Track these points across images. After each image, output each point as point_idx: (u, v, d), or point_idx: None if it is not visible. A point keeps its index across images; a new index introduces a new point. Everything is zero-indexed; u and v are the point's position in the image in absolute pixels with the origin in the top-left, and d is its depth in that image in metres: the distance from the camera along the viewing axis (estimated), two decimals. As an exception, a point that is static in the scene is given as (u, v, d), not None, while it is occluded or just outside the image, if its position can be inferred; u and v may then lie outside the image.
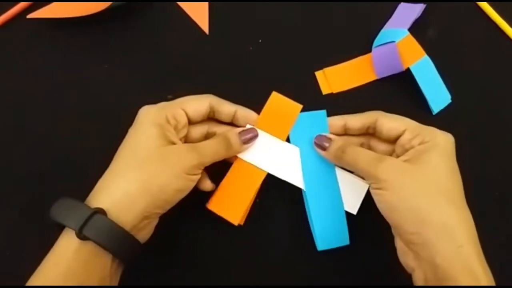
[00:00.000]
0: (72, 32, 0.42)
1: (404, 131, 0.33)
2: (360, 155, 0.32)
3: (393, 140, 0.34)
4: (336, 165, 0.35)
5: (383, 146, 0.35)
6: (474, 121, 0.41)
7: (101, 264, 0.29)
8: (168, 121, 0.33)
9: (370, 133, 0.36)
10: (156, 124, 0.32)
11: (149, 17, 0.43)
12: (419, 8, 0.42)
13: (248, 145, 0.35)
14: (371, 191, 0.32)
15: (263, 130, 0.36)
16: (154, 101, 0.39)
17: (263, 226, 0.37)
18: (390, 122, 0.34)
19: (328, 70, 0.42)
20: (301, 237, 0.37)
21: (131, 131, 0.32)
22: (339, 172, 0.35)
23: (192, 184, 0.32)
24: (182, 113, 0.34)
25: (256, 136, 0.35)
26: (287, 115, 0.36)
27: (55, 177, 0.39)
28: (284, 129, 0.36)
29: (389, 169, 0.30)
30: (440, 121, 0.40)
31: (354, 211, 0.35)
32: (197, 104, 0.34)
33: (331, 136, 0.35)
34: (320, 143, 0.35)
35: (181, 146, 0.32)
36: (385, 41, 0.40)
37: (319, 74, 0.42)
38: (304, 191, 0.36)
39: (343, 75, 0.41)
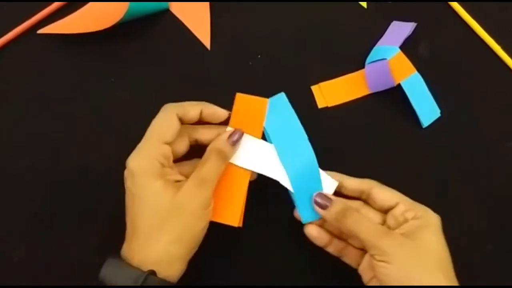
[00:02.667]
0: (79, 47, 0.44)
1: (397, 203, 0.34)
2: (363, 224, 0.33)
3: (384, 210, 0.36)
4: None
5: (372, 215, 0.36)
6: (462, 133, 0.43)
7: None
8: (162, 165, 0.33)
9: (362, 199, 0.37)
10: (156, 176, 0.32)
11: (153, 33, 0.45)
12: (410, 26, 0.43)
13: (236, 147, 0.36)
14: (373, 262, 0.32)
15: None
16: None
17: (263, 225, 0.39)
18: (385, 193, 0.35)
19: (324, 84, 0.43)
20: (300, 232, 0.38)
21: (135, 191, 0.32)
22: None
23: (211, 213, 0.34)
24: (167, 148, 0.34)
25: (241, 135, 0.36)
26: (257, 111, 0.37)
27: (64, 185, 0.40)
28: (258, 126, 0.37)
29: (393, 243, 0.32)
30: (429, 134, 0.42)
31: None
32: (170, 126, 0.34)
33: (332, 196, 0.36)
34: (321, 203, 0.35)
35: (189, 188, 0.32)
36: (377, 58, 0.41)
37: (315, 89, 0.43)
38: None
39: (338, 89, 0.43)
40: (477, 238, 0.40)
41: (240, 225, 0.37)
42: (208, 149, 0.35)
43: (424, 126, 0.42)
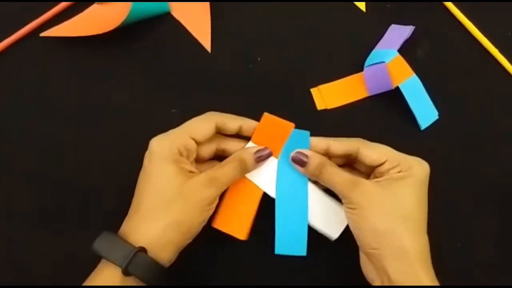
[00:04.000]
0: (81, 50, 0.44)
1: (384, 162, 0.35)
2: (336, 177, 0.34)
3: (373, 169, 0.36)
4: (320, 188, 0.37)
5: (363, 168, 0.37)
6: (460, 136, 0.43)
7: None
8: (181, 154, 0.34)
9: (351, 159, 0.37)
10: (172, 161, 0.33)
11: (154, 36, 0.45)
12: (408, 29, 0.44)
13: (260, 164, 0.37)
14: (344, 206, 0.34)
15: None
16: (159, 115, 0.42)
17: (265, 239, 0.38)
18: (371, 154, 0.35)
19: (323, 87, 0.44)
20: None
21: (149, 169, 0.34)
22: (324, 198, 0.37)
23: (212, 211, 0.35)
24: (192, 142, 0.35)
25: (269, 155, 0.37)
26: (280, 134, 0.37)
27: (64, 185, 0.41)
28: (278, 148, 0.37)
29: (362, 194, 0.33)
30: (427, 136, 0.43)
31: (335, 235, 0.36)
32: (204, 128, 0.35)
33: (309, 153, 0.36)
34: (298, 159, 0.36)
35: (200, 180, 0.33)
36: (376, 61, 0.42)
37: (314, 91, 0.44)
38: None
39: (337, 92, 0.44)
40: (477, 238, 0.41)
41: (247, 238, 0.37)
42: (233, 155, 0.36)
43: (422, 129, 0.43)
